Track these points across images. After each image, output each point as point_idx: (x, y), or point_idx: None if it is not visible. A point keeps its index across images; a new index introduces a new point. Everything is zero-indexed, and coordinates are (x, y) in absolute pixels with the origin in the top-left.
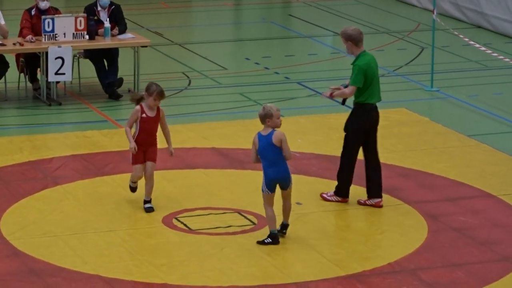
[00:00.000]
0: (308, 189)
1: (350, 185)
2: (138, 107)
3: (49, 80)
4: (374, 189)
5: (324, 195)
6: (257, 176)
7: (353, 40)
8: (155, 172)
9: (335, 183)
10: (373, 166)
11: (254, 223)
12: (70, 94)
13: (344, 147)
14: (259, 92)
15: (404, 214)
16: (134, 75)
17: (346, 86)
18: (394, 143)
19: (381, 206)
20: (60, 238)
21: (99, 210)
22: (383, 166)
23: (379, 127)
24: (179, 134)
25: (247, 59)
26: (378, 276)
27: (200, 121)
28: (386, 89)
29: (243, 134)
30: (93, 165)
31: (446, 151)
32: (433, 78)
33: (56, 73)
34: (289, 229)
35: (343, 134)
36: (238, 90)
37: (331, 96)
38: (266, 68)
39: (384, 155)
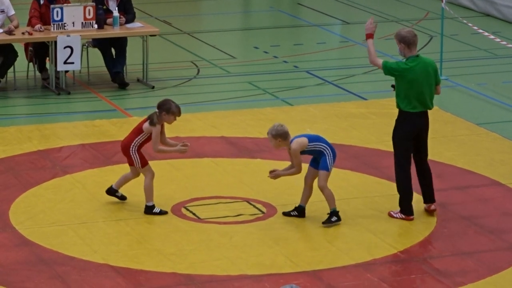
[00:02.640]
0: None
1: (411, 200)
2: (159, 126)
3: (58, 69)
4: (427, 194)
5: (392, 213)
6: (266, 165)
7: (406, 42)
8: (163, 160)
9: (344, 171)
10: (422, 172)
11: (263, 212)
12: (79, 83)
13: (395, 160)
14: (267, 81)
15: (413, 203)
16: (143, 64)
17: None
18: None
19: (433, 210)
20: (69, 227)
21: (108, 199)
22: (392, 155)
23: (388, 118)
24: (187, 123)
25: (255, 48)
26: (387, 265)
27: (208, 110)
28: None
29: (252, 123)
30: (102, 154)
31: (455, 139)
32: (442, 67)
33: (65, 62)
34: (298, 218)
35: (352, 122)
36: (247, 79)
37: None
38: (275, 56)
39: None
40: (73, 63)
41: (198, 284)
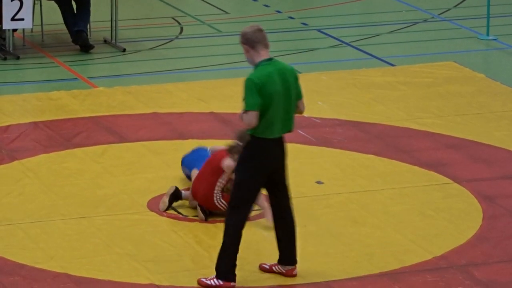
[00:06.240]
0: (331, 164)
1: (235, 260)
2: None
3: (4, 27)
4: (286, 254)
5: (204, 280)
6: None
7: (248, 42)
8: (138, 143)
9: (367, 156)
10: (282, 222)
11: (263, 207)
12: (31, 45)
13: (231, 203)
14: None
15: (453, 196)
16: (111, 21)
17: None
18: (440, 106)
19: (294, 275)
20: (18, 227)
21: (67, 192)
22: (427, 135)
23: (421, 89)
24: (169, 95)
25: (253, 0)
26: (420, 274)
27: (195, 79)
28: (431, 37)
29: None
30: (59, 135)
31: (505, 115)
32: (489, 24)
33: (13, 19)
34: (306, 215)
35: (376, 94)
36: None
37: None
38: (278, 11)
39: (428, 121)
40: (23, 19)
41: None
